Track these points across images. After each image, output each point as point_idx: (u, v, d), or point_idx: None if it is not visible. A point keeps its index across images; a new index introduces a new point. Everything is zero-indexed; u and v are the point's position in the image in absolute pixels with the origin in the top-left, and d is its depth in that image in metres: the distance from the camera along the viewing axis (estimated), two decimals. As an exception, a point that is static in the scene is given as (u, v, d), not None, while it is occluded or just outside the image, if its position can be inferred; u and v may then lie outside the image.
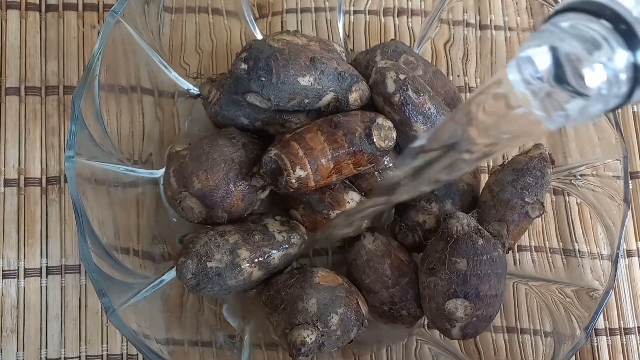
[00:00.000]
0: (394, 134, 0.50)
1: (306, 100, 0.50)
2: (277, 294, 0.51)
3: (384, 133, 0.50)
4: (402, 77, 0.51)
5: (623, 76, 0.27)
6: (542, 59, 0.29)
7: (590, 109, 0.29)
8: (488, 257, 0.49)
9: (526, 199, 0.53)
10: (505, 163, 0.55)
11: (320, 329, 0.48)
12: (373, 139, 0.49)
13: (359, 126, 0.49)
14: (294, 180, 0.48)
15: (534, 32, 0.31)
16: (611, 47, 0.27)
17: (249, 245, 0.50)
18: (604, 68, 0.27)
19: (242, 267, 0.50)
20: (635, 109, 0.66)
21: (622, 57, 0.27)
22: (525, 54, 0.30)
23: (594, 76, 0.28)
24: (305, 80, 0.49)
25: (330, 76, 0.50)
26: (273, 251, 0.51)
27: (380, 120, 0.50)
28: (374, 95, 0.52)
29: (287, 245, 0.52)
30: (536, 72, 0.29)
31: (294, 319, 0.49)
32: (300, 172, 0.48)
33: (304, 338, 0.47)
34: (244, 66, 0.48)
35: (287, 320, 0.49)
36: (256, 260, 0.50)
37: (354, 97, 0.52)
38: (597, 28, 0.28)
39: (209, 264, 0.49)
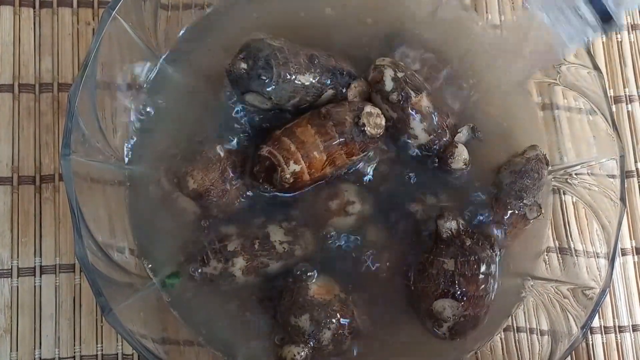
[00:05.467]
0: (384, 121, 0.50)
1: (307, 99, 0.50)
2: (270, 303, 0.51)
3: (374, 120, 0.50)
4: (400, 75, 0.51)
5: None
6: None
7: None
8: (476, 257, 0.50)
9: (524, 201, 0.53)
10: (502, 165, 0.55)
11: (312, 345, 0.48)
12: (363, 128, 0.49)
13: (348, 116, 0.49)
14: (288, 175, 0.48)
15: None
16: None
17: (247, 254, 0.50)
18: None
19: (236, 276, 0.49)
20: (630, 108, 0.66)
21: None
22: None
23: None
24: (305, 79, 0.49)
25: (329, 73, 0.50)
26: (271, 262, 0.50)
27: (369, 108, 0.50)
28: (371, 92, 0.53)
29: (286, 257, 0.51)
30: None
31: (285, 334, 0.49)
32: (294, 167, 0.48)
33: (294, 356, 0.47)
34: (243, 65, 0.48)
35: (278, 333, 0.49)
36: (252, 268, 0.50)
37: (352, 93, 0.52)
38: None
39: (203, 269, 0.49)
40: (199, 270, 0.50)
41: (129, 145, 0.54)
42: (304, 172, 0.49)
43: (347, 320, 0.50)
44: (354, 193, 0.52)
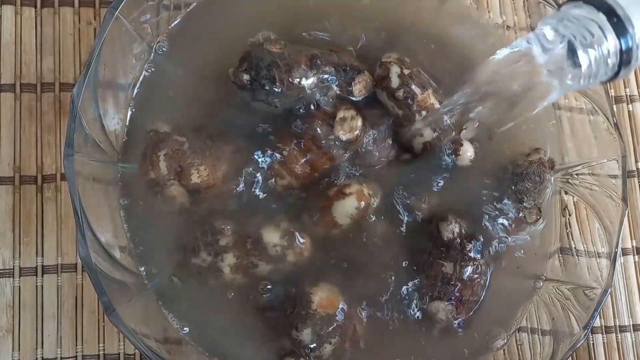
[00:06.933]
0: (359, 122, 0.50)
1: (313, 99, 0.51)
2: (271, 312, 0.51)
3: (348, 125, 0.50)
4: (406, 72, 0.51)
5: (611, 60, 0.36)
6: (553, 36, 0.37)
7: (583, 80, 0.37)
8: (475, 263, 0.50)
9: (524, 204, 0.53)
10: (505, 166, 0.55)
11: (312, 358, 0.48)
12: (339, 135, 0.50)
13: (321, 128, 0.50)
14: (279, 189, 0.51)
15: (548, 16, 0.39)
16: (604, 36, 0.35)
17: (237, 251, 0.50)
18: (595, 51, 0.36)
19: (224, 272, 0.49)
20: (630, 108, 0.66)
21: (611, 44, 0.35)
22: (541, 32, 0.38)
23: (585, 57, 0.36)
24: (308, 81, 0.50)
25: (332, 71, 0.51)
26: (261, 263, 0.50)
27: (342, 113, 0.50)
28: (377, 90, 0.53)
29: (277, 261, 0.50)
30: (549, 43, 0.37)
31: (286, 345, 0.49)
32: (281, 182, 0.51)
33: None
34: (246, 77, 0.49)
35: (279, 345, 0.50)
36: (241, 267, 0.50)
37: (358, 88, 0.52)
38: (596, 18, 0.36)
39: (192, 260, 0.49)
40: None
41: (129, 143, 0.54)
42: (292, 183, 0.51)
43: (349, 333, 0.50)
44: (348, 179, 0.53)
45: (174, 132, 0.52)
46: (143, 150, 0.51)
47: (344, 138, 0.50)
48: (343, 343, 0.49)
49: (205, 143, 0.51)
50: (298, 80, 0.49)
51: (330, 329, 0.48)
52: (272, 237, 0.51)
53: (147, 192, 0.51)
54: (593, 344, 0.61)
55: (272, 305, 0.51)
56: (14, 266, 0.56)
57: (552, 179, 0.56)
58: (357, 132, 0.50)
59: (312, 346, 0.48)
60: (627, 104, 0.66)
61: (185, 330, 0.51)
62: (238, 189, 0.51)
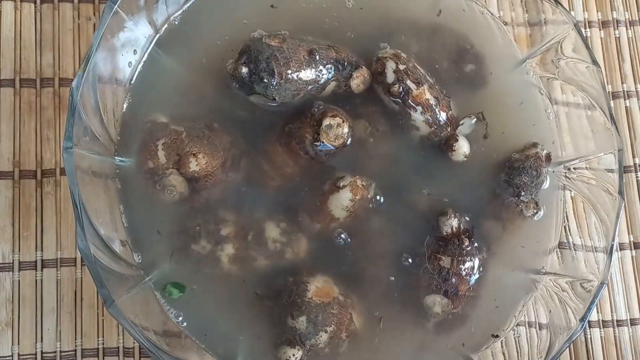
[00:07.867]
0: (345, 129, 0.51)
1: (311, 93, 0.51)
2: (267, 301, 0.51)
3: (334, 132, 0.50)
4: (401, 67, 0.52)
5: None
6: None
7: None
8: (472, 258, 0.51)
9: (521, 198, 0.53)
10: (503, 160, 0.55)
11: (308, 346, 0.49)
12: (324, 142, 0.50)
13: (308, 133, 0.51)
14: (270, 188, 0.52)
15: None
16: None
17: (237, 243, 0.50)
18: None
19: (222, 261, 0.50)
20: (628, 104, 0.66)
21: None
22: None
23: None
24: (306, 75, 0.50)
25: (330, 66, 0.51)
26: (260, 257, 0.51)
27: (327, 121, 0.50)
28: (374, 84, 0.53)
29: (276, 257, 0.51)
30: None
31: (282, 334, 0.49)
32: (271, 182, 0.52)
33: (289, 357, 0.48)
34: (245, 70, 0.49)
35: (275, 334, 0.50)
36: (239, 259, 0.50)
37: (356, 83, 0.52)
38: None
39: (192, 246, 0.50)
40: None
41: (128, 136, 0.54)
42: (282, 182, 0.52)
43: (345, 322, 0.50)
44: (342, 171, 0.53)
45: (172, 121, 0.52)
46: (141, 140, 0.51)
47: (328, 145, 0.50)
48: (339, 332, 0.49)
49: (203, 132, 0.51)
50: (296, 73, 0.49)
51: (325, 317, 0.49)
52: (273, 232, 0.51)
53: (146, 183, 0.51)
54: (590, 338, 0.61)
55: (269, 295, 0.51)
56: (13, 260, 0.56)
57: (548, 174, 0.56)
58: (341, 139, 0.51)
59: (307, 334, 0.48)
60: (625, 100, 0.67)
61: (180, 319, 0.51)
62: (231, 180, 0.52)
